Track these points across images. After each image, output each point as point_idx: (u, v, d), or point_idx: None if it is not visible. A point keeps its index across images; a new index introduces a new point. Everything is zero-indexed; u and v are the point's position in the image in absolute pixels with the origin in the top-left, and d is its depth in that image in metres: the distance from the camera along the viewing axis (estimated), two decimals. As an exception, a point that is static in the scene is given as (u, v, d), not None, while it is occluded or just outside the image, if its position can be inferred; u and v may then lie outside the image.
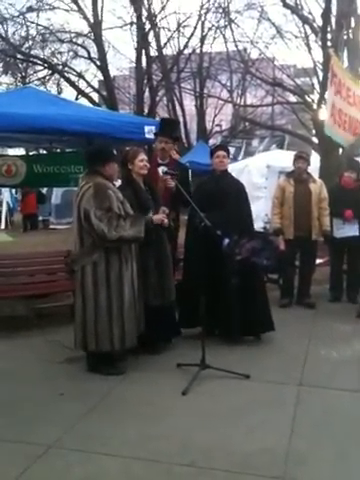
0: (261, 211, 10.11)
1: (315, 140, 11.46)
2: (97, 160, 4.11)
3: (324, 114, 9.74)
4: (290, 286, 6.47)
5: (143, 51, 18.35)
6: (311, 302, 6.31)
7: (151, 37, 18.66)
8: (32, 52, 18.67)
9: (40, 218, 19.24)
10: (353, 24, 10.19)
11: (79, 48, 18.88)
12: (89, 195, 3.93)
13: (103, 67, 17.94)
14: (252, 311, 4.84)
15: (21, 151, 12.64)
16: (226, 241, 4.67)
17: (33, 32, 18.28)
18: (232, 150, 18.35)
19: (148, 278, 4.37)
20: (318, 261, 6.73)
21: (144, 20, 17.91)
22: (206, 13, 17.99)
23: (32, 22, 17.90)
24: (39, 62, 18.82)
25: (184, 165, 5.68)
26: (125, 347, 4.09)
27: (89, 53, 18.60)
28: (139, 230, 3.98)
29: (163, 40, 19.11)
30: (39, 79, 21.13)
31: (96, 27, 17.17)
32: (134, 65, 19.36)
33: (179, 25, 18.87)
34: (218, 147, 5.48)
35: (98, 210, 3.89)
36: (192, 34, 18.99)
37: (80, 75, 19.87)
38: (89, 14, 17.18)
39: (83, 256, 4.04)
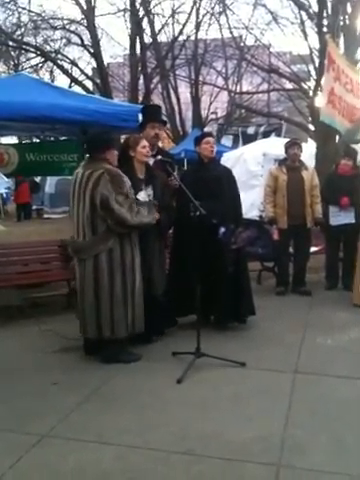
0: (257, 199, 10.07)
1: (312, 127, 11.41)
2: (100, 147, 4.05)
3: (320, 101, 9.70)
4: (285, 274, 6.46)
5: (137, 38, 18.15)
6: (307, 290, 6.31)
7: (145, 24, 18.49)
8: (24, 39, 18.47)
9: (34, 207, 19.15)
10: (349, 10, 10.11)
11: (72, 35, 18.72)
12: (105, 181, 3.87)
13: (96, 54, 17.77)
14: (240, 297, 4.85)
15: (14, 139, 12.55)
16: (222, 230, 4.65)
17: (25, 19, 18.13)
18: (230, 138, 18.30)
19: None
20: (314, 249, 6.73)
21: (138, 6, 17.71)
22: (201, -1, 17.83)
23: (24, 8, 17.73)
24: (32, 49, 18.59)
25: (170, 154, 5.53)
26: (135, 332, 4.11)
27: (82, 40, 18.43)
28: (154, 217, 4.08)
29: (157, 27, 18.97)
30: (32, 67, 20.96)
31: (89, 13, 16.98)
32: (128, 52, 19.16)
33: (173, 11, 18.73)
34: (207, 134, 5.37)
35: (119, 195, 3.87)
36: (187, 20, 18.88)
37: (73, 62, 19.70)
38: (82, 0, 17.01)
39: (97, 244, 3.97)
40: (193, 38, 19.73)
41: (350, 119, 7.11)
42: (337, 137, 8.85)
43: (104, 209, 3.89)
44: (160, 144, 5.38)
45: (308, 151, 9.95)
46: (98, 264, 3.97)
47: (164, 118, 19.44)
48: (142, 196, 4.25)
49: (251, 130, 17.45)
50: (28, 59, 20.98)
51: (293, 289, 6.40)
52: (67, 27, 18.35)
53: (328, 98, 6.75)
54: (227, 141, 17.20)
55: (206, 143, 4.91)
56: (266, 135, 15.48)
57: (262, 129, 16.36)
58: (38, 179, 19.28)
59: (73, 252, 4.21)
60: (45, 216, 18.36)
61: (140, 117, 5.63)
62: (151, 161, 4.57)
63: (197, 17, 19.05)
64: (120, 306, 4.00)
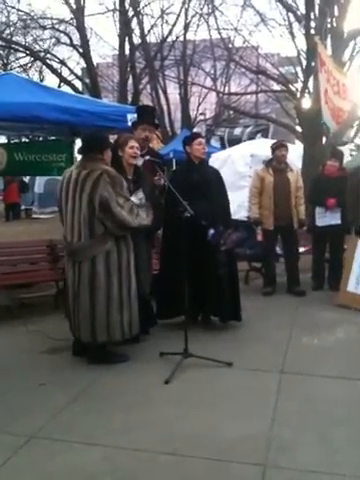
0: (245, 200, 10.11)
1: (299, 129, 11.48)
2: (96, 147, 4.00)
3: (308, 102, 9.77)
4: (272, 275, 6.49)
5: (126, 38, 18.13)
6: (301, 290, 6.32)
7: (134, 24, 18.47)
8: (14, 38, 18.34)
9: (22, 207, 19.05)
10: (336, 12, 10.19)
11: (61, 35, 18.62)
12: (105, 182, 3.81)
13: (86, 54, 17.72)
14: (227, 299, 4.87)
15: (2, 139, 12.50)
16: (211, 232, 4.66)
17: (14, 18, 18.02)
18: (218, 140, 18.34)
19: None
20: (301, 250, 6.78)
21: (127, 6, 17.69)
22: (190, 0, 17.85)
23: (13, 7, 17.64)
24: (21, 49, 18.49)
25: (160, 154, 5.52)
26: (132, 334, 4.10)
27: (71, 40, 18.35)
28: (151, 219, 4.10)
29: (146, 27, 18.95)
30: (21, 66, 20.81)
31: (78, 13, 16.93)
32: (117, 52, 19.14)
33: (162, 12, 18.71)
34: (198, 134, 5.34)
35: (120, 198, 3.84)
36: (176, 21, 18.87)
37: (62, 62, 19.62)
38: (71, 0, 16.94)
39: (94, 246, 3.90)
40: (182, 39, 19.75)
41: (336, 121, 7.19)
42: (324, 139, 8.92)
43: (103, 211, 3.83)
44: (149, 144, 5.35)
45: (295, 152, 10.02)
46: (95, 266, 3.90)
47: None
48: (133, 200, 4.24)
49: (238, 131, 17.55)
50: (17, 58, 20.82)
51: (288, 289, 6.39)
52: (56, 27, 18.27)
53: (325, 98, 6.83)
54: (215, 143, 17.29)
55: (198, 144, 4.89)
56: (252, 136, 15.56)
57: (248, 130, 16.44)
58: (27, 179, 19.18)
59: (68, 254, 4.10)
60: (34, 216, 18.29)
61: (129, 117, 5.65)
62: (140, 162, 4.57)
63: (186, 18, 19.08)
64: (116, 309, 3.96)
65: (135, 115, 5.27)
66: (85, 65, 18.60)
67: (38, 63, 20.40)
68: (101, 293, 3.91)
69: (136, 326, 4.12)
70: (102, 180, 3.82)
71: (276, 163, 6.30)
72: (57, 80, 19.68)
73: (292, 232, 6.31)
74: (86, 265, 3.92)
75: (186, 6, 18.36)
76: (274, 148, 6.37)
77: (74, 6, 16.94)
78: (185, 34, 19.52)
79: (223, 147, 16.68)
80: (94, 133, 4.39)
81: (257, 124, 16.47)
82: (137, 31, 18.70)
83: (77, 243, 3.97)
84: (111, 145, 4.27)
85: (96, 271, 3.90)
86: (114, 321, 3.96)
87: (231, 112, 20.23)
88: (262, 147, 11.31)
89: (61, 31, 18.43)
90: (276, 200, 6.18)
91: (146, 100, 21.07)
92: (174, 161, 13.17)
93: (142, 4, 18.06)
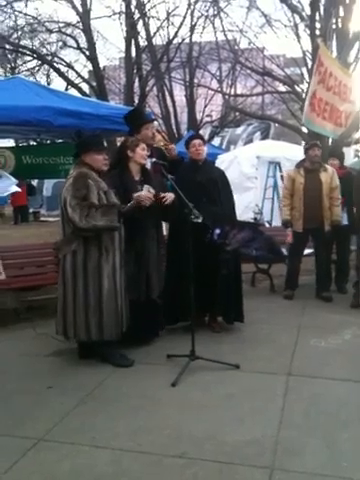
0: (251, 202, 10.14)
1: (305, 130, 11.46)
2: (79, 150, 4.16)
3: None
4: (294, 277, 6.34)
5: (132, 41, 18.17)
6: (328, 295, 6.11)
7: (140, 26, 18.50)
8: (21, 42, 18.46)
9: (31, 210, 19.15)
10: (342, 13, 10.17)
11: (68, 38, 18.70)
12: (68, 184, 3.98)
13: (92, 57, 17.77)
14: (231, 300, 4.87)
15: (10, 142, 12.56)
16: (217, 231, 4.66)
17: (21, 22, 18.11)
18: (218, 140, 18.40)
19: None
20: (308, 251, 6.73)
21: (133, 9, 17.73)
22: (195, 2, 17.83)
23: (20, 12, 17.71)
24: (28, 52, 18.57)
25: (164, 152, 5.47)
26: (103, 339, 4.08)
27: (78, 43, 18.40)
28: (111, 219, 3.94)
29: (152, 29, 18.98)
30: (28, 70, 20.93)
31: (85, 16, 16.99)
32: (123, 55, 19.18)
33: (168, 14, 18.71)
34: (194, 136, 5.27)
35: (73, 199, 3.90)
36: (181, 23, 18.84)
37: (69, 65, 19.69)
38: (77, 3, 17.03)
39: (64, 245, 4.08)
40: (188, 41, 19.77)
41: (335, 122, 7.14)
42: (330, 140, 8.89)
43: (64, 211, 3.98)
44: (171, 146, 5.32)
45: (303, 154, 10.00)
46: (64, 265, 4.06)
47: (159, 121, 19.46)
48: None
49: (239, 130, 17.62)
50: (25, 62, 20.95)
51: (316, 294, 6.25)
52: (63, 30, 18.32)
53: (309, 101, 6.78)
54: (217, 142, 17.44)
55: (192, 146, 4.90)
56: (251, 135, 15.61)
57: (249, 129, 16.50)
58: (35, 182, 19.29)
59: (56, 251, 4.41)
60: (42, 219, 18.39)
61: None
62: (148, 164, 4.59)
63: (192, 20, 19.07)
64: (81, 309, 4.01)
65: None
66: (92, 68, 18.66)
67: (45, 66, 20.52)
68: (69, 291, 4.04)
69: (110, 333, 4.07)
70: (68, 182, 4.01)
71: (309, 164, 6.15)
72: (64, 83, 19.81)
73: (322, 235, 6.10)
74: (61, 263, 4.12)
75: (192, 8, 18.38)
76: (307, 148, 6.25)
77: (80, 9, 17.00)
78: (191, 36, 19.53)
79: (220, 147, 16.77)
80: (82, 137, 4.45)
81: (256, 124, 16.50)
82: (143, 33, 18.76)
83: (57, 241, 4.28)
84: (111, 147, 4.31)
85: (65, 270, 4.06)
86: (80, 321, 4.02)
87: (237, 114, 20.21)
88: (268, 148, 11.35)
89: (68, 34, 18.51)
90: (306, 202, 6.01)
91: (152, 102, 21.13)
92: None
93: (148, 6, 18.13)
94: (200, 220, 3.98)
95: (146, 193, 4.20)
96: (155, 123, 4.91)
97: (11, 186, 6.28)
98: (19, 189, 7.08)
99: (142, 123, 4.85)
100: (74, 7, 17.06)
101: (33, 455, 2.86)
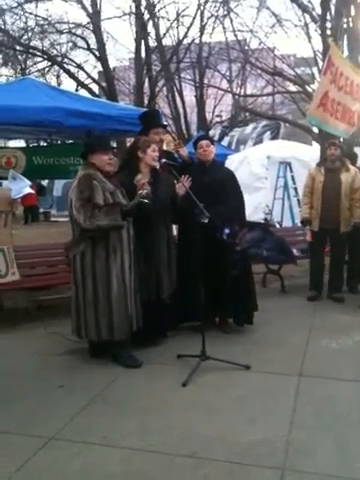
0: (261, 202, 10.11)
1: (315, 130, 11.41)
2: (85, 151, 4.19)
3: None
4: (317, 277, 6.24)
5: (142, 41, 18.21)
6: (340, 297, 6.04)
7: (150, 27, 18.53)
8: (31, 43, 18.55)
9: (41, 210, 19.25)
10: (353, 12, 10.09)
11: (78, 39, 18.78)
12: (74, 186, 4.03)
13: (102, 58, 17.81)
14: (241, 300, 4.86)
15: (21, 143, 12.64)
16: (226, 231, 4.65)
17: (32, 23, 18.21)
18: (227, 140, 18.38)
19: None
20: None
21: (143, 10, 17.75)
22: (205, 2, 17.83)
23: (30, 13, 17.81)
24: (38, 53, 18.70)
25: (175, 157, 5.47)
26: (114, 339, 4.09)
27: (88, 44, 18.48)
28: (114, 218, 3.95)
29: (162, 30, 19.01)
30: (39, 71, 21.08)
31: (95, 17, 17.03)
32: (133, 55, 19.22)
33: (178, 15, 18.74)
34: (200, 137, 5.27)
35: (77, 200, 3.94)
36: (191, 24, 18.85)
37: (79, 66, 19.79)
38: (87, 4, 17.08)
39: (73, 245, 4.13)
40: (198, 41, 19.76)
41: (348, 122, 7.08)
42: (341, 140, 8.83)
43: (71, 212, 4.04)
44: (165, 147, 5.35)
45: (312, 154, 9.98)
46: (74, 265, 4.12)
47: (169, 121, 19.44)
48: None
49: (248, 130, 17.59)
50: (35, 63, 21.08)
51: (328, 294, 6.19)
52: (73, 31, 18.42)
53: (320, 101, 6.72)
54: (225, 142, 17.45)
55: (200, 147, 4.89)
56: (261, 135, 15.57)
57: (258, 129, 16.47)
58: (45, 182, 19.39)
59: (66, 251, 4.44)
60: (52, 219, 18.48)
61: None
62: (158, 165, 4.58)
63: (201, 20, 19.05)
64: (91, 309, 4.05)
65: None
66: (102, 69, 18.71)
67: (55, 67, 20.67)
68: (80, 291, 4.10)
69: (119, 333, 4.07)
70: (74, 183, 4.05)
71: (329, 162, 6.09)
72: (74, 84, 19.90)
73: (338, 236, 6.00)
74: (71, 263, 4.18)
75: (201, 8, 18.37)
76: (326, 147, 6.25)
77: (91, 10, 17.05)
78: (201, 36, 19.52)
79: (229, 147, 16.74)
80: (90, 138, 4.44)
81: (266, 123, 16.45)
82: (153, 34, 18.80)
83: (67, 242, 4.33)
84: (122, 148, 4.32)
85: (75, 269, 4.12)
86: (90, 321, 4.07)
87: (247, 114, 20.17)
88: (278, 149, 11.31)
89: (78, 35, 18.59)
90: (324, 201, 5.93)
91: (162, 102, 21.15)
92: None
93: (158, 7, 18.16)
94: (206, 221, 3.97)
95: (141, 177, 4.17)
96: (162, 134, 4.86)
97: (25, 188, 6.35)
98: (32, 191, 7.14)
99: (151, 126, 4.86)
100: (84, 8, 17.12)
101: (44, 454, 2.87)
